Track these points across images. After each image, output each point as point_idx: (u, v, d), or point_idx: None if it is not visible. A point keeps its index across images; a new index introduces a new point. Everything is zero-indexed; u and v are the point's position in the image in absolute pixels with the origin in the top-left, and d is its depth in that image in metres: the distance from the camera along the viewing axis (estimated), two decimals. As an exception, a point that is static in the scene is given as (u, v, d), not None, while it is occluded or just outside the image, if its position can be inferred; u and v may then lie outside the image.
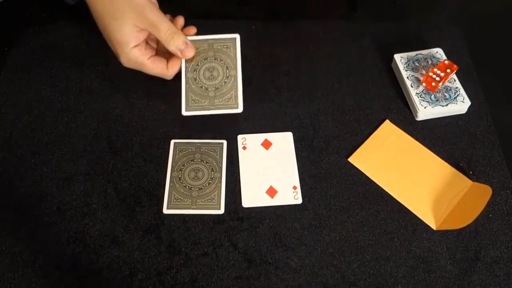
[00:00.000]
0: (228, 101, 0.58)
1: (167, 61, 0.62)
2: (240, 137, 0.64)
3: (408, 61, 0.68)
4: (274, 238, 0.56)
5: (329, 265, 0.55)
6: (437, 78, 0.64)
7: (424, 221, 0.57)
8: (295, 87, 0.68)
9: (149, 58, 0.61)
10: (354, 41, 0.73)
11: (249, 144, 0.63)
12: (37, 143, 0.62)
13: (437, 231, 0.57)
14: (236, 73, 0.59)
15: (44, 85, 0.68)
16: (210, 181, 0.60)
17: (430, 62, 0.68)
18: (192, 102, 0.59)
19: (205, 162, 0.61)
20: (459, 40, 0.73)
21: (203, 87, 0.59)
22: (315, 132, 0.64)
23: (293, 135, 0.64)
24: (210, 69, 0.59)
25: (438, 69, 0.65)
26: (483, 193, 0.55)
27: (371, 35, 0.74)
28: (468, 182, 0.60)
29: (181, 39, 0.59)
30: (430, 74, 0.65)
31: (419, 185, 0.60)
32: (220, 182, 0.60)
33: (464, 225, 0.54)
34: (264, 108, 0.66)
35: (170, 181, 0.60)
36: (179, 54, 0.60)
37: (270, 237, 0.56)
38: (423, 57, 0.69)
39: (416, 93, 0.65)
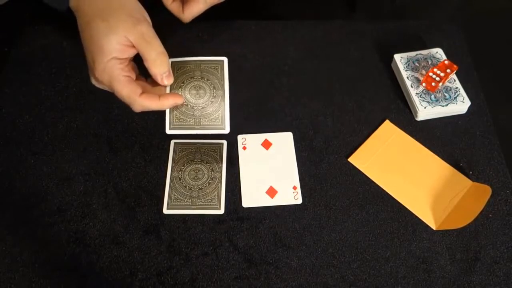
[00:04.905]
0: (214, 121, 0.56)
1: (142, 93, 0.53)
2: (240, 137, 0.64)
3: (408, 61, 0.68)
4: (274, 238, 0.56)
5: (329, 265, 0.55)
6: (437, 78, 0.64)
7: (424, 221, 0.57)
8: (295, 87, 0.68)
9: (125, 76, 0.52)
10: (354, 41, 0.73)
11: (249, 144, 0.63)
12: (37, 143, 0.62)
13: (437, 231, 0.57)
14: (224, 93, 0.56)
15: (44, 85, 0.68)
16: (210, 181, 0.60)
17: (430, 62, 0.68)
18: (177, 120, 0.56)
19: (205, 162, 0.61)
20: (459, 40, 0.73)
21: (189, 105, 0.56)
22: (315, 132, 0.64)
23: (293, 135, 0.64)
24: (196, 88, 0.56)
25: (438, 69, 0.65)
26: (483, 193, 0.55)
27: (371, 35, 0.74)
28: (468, 182, 0.60)
29: (168, 65, 0.54)
30: (430, 74, 0.65)
31: (419, 185, 0.60)
32: (220, 182, 0.60)
33: (464, 225, 0.54)
34: (264, 108, 0.66)
35: (170, 181, 0.60)
36: (159, 79, 0.54)
37: (270, 237, 0.56)
38: (423, 57, 0.69)
39: (416, 93, 0.65)
